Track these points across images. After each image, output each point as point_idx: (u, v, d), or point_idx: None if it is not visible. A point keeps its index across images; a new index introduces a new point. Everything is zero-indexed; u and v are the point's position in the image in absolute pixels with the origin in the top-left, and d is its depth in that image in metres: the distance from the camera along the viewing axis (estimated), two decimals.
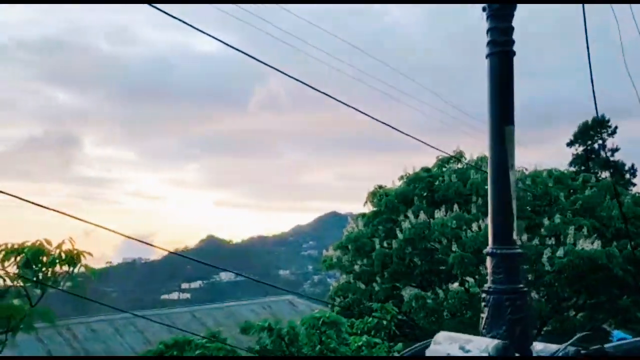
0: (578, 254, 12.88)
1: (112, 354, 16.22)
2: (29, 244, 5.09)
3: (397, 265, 15.46)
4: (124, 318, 21.92)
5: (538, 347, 3.50)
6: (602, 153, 54.34)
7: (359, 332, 13.13)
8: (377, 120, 5.65)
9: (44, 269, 5.10)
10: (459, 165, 16.73)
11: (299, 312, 18.79)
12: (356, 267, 16.56)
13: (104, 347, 16.94)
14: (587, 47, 4.26)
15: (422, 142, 7.64)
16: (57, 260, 5.11)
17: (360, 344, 11.24)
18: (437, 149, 12.19)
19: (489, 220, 3.23)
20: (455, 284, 13.88)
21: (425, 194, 16.41)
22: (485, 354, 2.68)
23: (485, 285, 3.18)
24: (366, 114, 5.48)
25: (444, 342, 3.07)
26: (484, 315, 3.13)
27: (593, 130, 55.11)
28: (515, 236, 3.18)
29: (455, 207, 15.00)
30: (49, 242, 5.14)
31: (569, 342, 3.50)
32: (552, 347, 3.44)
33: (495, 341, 2.95)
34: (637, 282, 15.12)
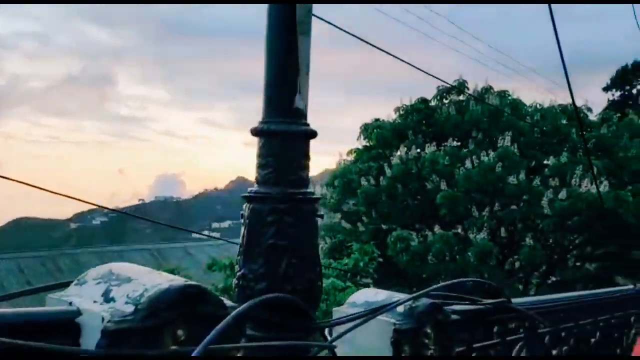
0: (582, 197, 11.31)
1: None
2: None
3: (386, 205, 14.16)
4: (110, 251, 21.65)
5: (371, 295, 2.21)
6: None
7: (335, 274, 12.14)
8: (398, 58, 5.42)
9: None
10: (462, 97, 15.01)
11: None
12: (344, 206, 15.36)
13: None
14: None
15: (421, 70, 6.48)
16: None
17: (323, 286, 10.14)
18: (437, 78, 10.77)
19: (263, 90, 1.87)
20: (437, 227, 12.54)
21: (422, 127, 14.85)
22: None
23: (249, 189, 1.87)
24: (389, 53, 5.19)
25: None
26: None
27: (632, 75, 51.71)
28: (301, 106, 1.82)
29: (450, 141, 13.47)
30: None
31: (422, 292, 2.20)
32: (398, 297, 2.15)
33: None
34: None
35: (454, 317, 2.23)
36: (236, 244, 1.93)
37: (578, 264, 14.68)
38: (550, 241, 12.95)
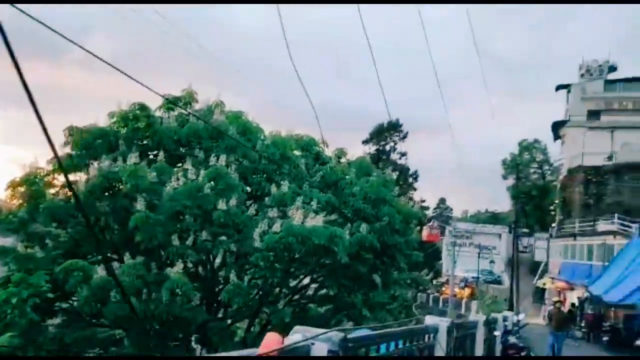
0: (294, 231, 10.05)
1: None
2: None
3: (78, 226, 11.30)
4: None
5: None
6: (392, 155, 56.69)
7: None
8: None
9: None
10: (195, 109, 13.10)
11: None
12: (31, 226, 11.99)
13: None
14: None
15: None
16: None
17: None
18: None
19: None
20: (127, 257, 10.14)
21: (139, 137, 12.47)
22: None
23: None
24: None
25: None
26: None
27: (387, 132, 57.33)
28: None
29: (162, 155, 11.33)
30: None
31: None
32: None
33: None
34: (372, 272, 13.08)
35: None
36: None
37: (302, 305, 13.56)
38: (261, 279, 11.50)
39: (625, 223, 32.14)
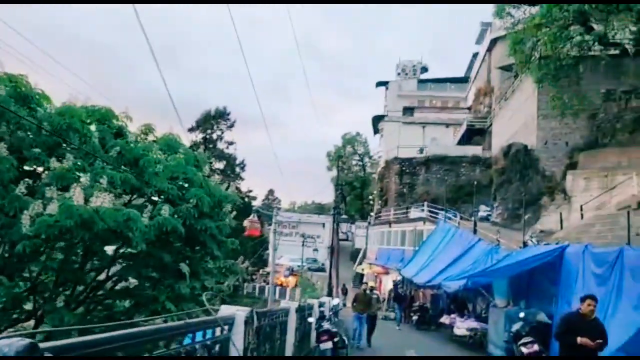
0: (73, 212, 8.26)
1: None
2: None
3: None
4: None
5: None
6: (219, 144, 55.12)
7: None
8: None
9: None
10: None
11: None
12: None
13: None
14: None
15: None
16: None
17: None
18: None
19: None
20: None
21: None
22: None
23: None
24: None
25: None
26: None
27: (214, 120, 55.59)
28: None
29: None
30: None
31: None
32: None
33: None
34: (181, 261, 11.65)
35: None
36: None
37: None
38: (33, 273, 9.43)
39: (434, 210, 34.86)
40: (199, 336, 4.41)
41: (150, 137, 13.10)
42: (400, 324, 24.07)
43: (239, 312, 5.44)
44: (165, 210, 9.69)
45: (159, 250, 10.67)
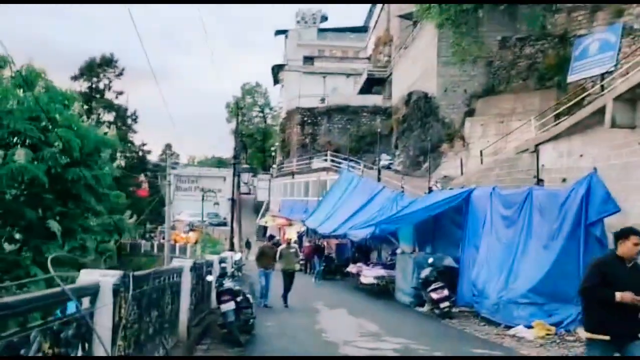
0: None
1: None
2: None
3: None
4: None
5: None
6: (107, 94, 50.72)
7: None
8: None
9: None
10: None
11: None
12: None
13: None
14: None
15: None
16: None
17: None
18: None
19: None
20: None
21: None
22: None
23: None
24: None
25: None
26: None
27: (100, 68, 50.87)
28: None
29: None
30: None
31: None
32: None
33: None
34: (51, 217, 9.85)
35: None
36: None
37: None
38: None
39: (337, 160, 34.38)
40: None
41: (7, 72, 10.91)
42: (304, 276, 23.45)
43: (105, 279, 4.07)
44: (20, 154, 7.86)
45: (21, 204, 8.86)
